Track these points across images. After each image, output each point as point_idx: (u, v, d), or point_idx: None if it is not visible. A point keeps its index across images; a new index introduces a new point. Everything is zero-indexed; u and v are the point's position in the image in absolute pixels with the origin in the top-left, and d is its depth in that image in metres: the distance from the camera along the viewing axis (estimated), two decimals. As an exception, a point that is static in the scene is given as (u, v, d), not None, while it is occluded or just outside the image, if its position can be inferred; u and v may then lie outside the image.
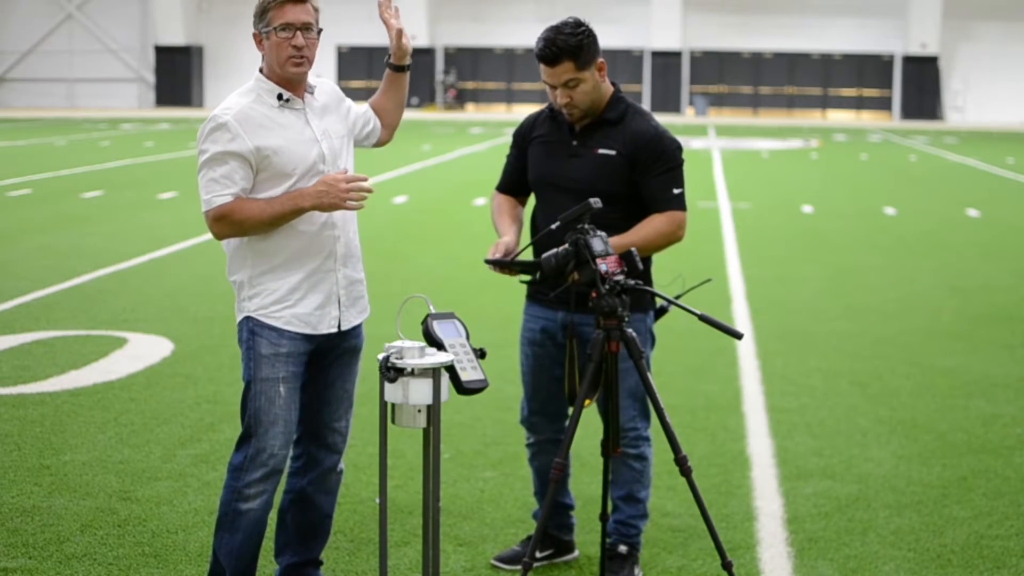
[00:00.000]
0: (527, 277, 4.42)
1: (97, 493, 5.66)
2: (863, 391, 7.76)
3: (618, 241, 4.40)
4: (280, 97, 4.18)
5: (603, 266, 4.10)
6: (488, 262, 4.44)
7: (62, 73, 54.80)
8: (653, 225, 4.59)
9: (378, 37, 49.76)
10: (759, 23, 52.79)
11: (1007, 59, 51.37)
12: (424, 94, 53.52)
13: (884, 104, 53.27)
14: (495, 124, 43.80)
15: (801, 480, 6.02)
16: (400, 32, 4.43)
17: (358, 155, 4.53)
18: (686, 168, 4.72)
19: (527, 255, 4.52)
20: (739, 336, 4.20)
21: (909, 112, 51.61)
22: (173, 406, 7.17)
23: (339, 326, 4.26)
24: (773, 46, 53.04)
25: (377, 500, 4.50)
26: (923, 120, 50.62)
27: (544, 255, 4.23)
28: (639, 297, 4.51)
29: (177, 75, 53.54)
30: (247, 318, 4.21)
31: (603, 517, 4.49)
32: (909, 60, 51.24)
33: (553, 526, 4.94)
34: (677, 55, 52.39)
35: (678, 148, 4.68)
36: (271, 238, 4.16)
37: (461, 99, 55.02)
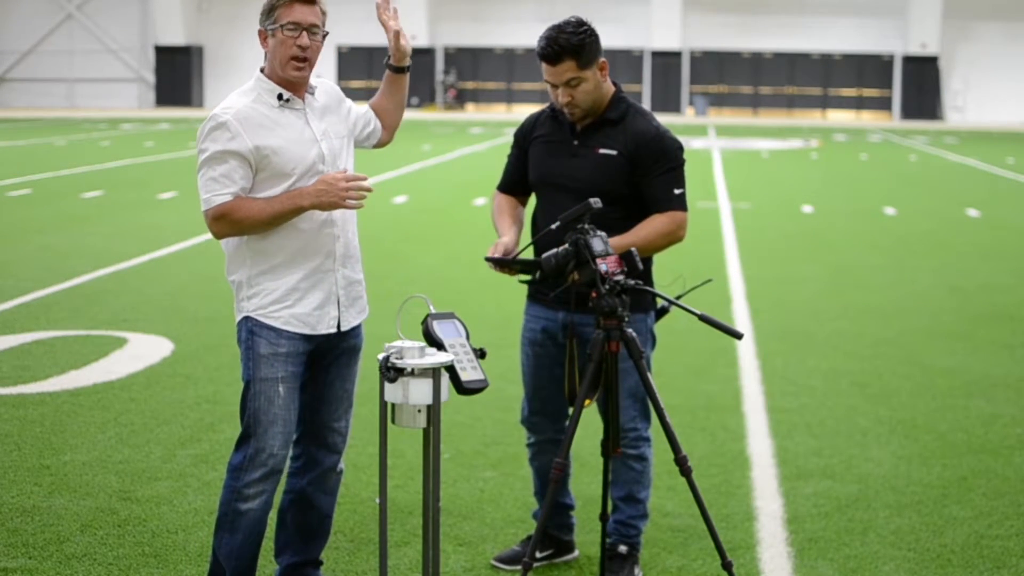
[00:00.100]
0: (526, 277, 4.42)
1: (97, 493, 5.66)
2: (863, 391, 7.76)
3: (618, 241, 4.40)
4: (280, 97, 4.18)
5: (603, 266, 4.09)
6: (488, 260, 4.44)
7: (62, 73, 54.81)
8: (654, 225, 4.59)
9: (378, 37, 49.75)
10: (759, 23, 52.80)
11: (1007, 59, 51.38)
12: (424, 94, 53.52)
13: (884, 104, 53.28)
14: (495, 124, 43.81)
15: (801, 480, 6.02)
16: (398, 33, 4.43)
17: (358, 155, 4.53)
18: (686, 168, 4.72)
19: (527, 255, 4.52)
20: (739, 336, 4.20)
21: (909, 112, 51.61)
22: (173, 406, 7.17)
23: (338, 326, 4.26)
24: (773, 46, 53.04)
25: (377, 500, 4.50)
26: (923, 120, 50.63)
27: (544, 255, 4.23)
28: (640, 297, 4.51)
29: (177, 75, 53.55)
30: (246, 318, 4.21)
31: (603, 517, 4.49)
32: (909, 60, 51.25)
33: (553, 526, 4.94)
34: (677, 55, 52.40)
35: (679, 148, 4.67)
36: (270, 237, 4.16)
37: (461, 99, 55.03)
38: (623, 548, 4.81)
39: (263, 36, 4.16)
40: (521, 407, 4.94)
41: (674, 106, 52.01)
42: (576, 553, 5.04)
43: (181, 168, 23.10)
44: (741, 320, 9.97)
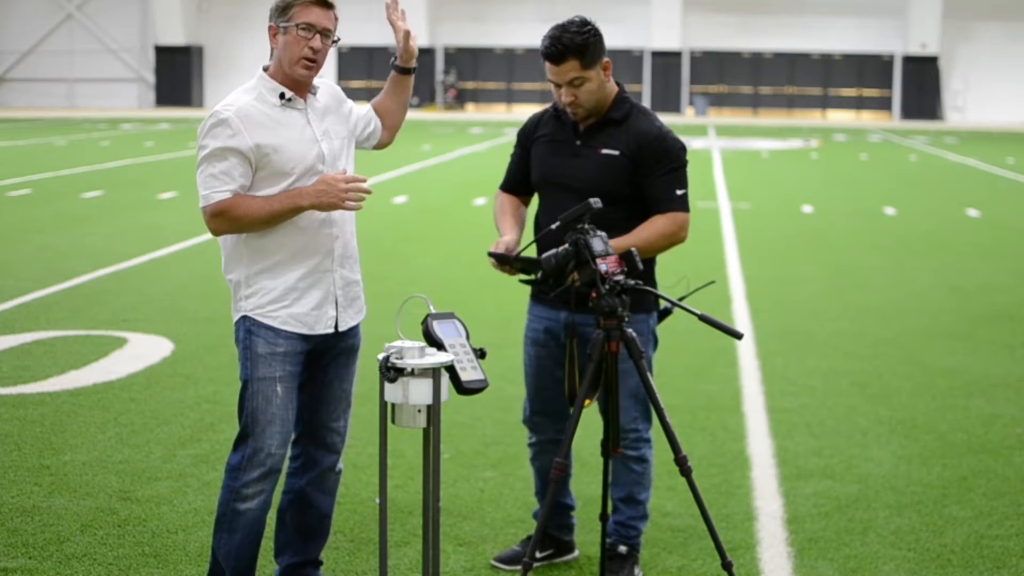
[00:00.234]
0: (527, 276, 4.42)
1: (97, 493, 5.66)
2: (863, 391, 7.76)
3: (619, 243, 4.40)
4: (282, 96, 4.17)
5: (603, 266, 4.09)
6: (491, 255, 4.44)
7: (62, 73, 54.81)
8: (655, 226, 4.58)
9: (378, 37, 49.77)
10: (759, 23, 52.80)
11: (1007, 59, 51.39)
12: (424, 94, 53.53)
13: (884, 104, 53.28)
14: (495, 124, 43.80)
15: (801, 480, 6.02)
16: (407, 34, 4.44)
17: (358, 154, 4.53)
18: (688, 169, 4.71)
19: (529, 253, 4.52)
20: (739, 336, 4.20)
21: (909, 112, 51.62)
22: (173, 406, 7.17)
23: (336, 327, 4.26)
24: (773, 46, 53.05)
25: (377, 500, 4.50)
26: (923, 120, 50.63)
27: (544, 255, 4.23)
28: (642, 298, 4.50)
29: (177, 75, 53.55)
30: (244, 317, 4.21)
31: (603, 517, 4.49)
32: (909, 60, 51.25)
33: (553, 526, 4.94)
34: (677, 55, 52.40)
35: (682, 149, 4.67)
36: (269, 236, 4.16)
37: (461, 99, 55.03)
38: (623, 548, 4.82)
39: (273, 32, 4.16)
40: (523, 407, 4.94)
41: (674, 106, 52.01)
42: (576, 553, 5.04)
43: (181, 168, 23.10)
44: (741, 320, 9.97)
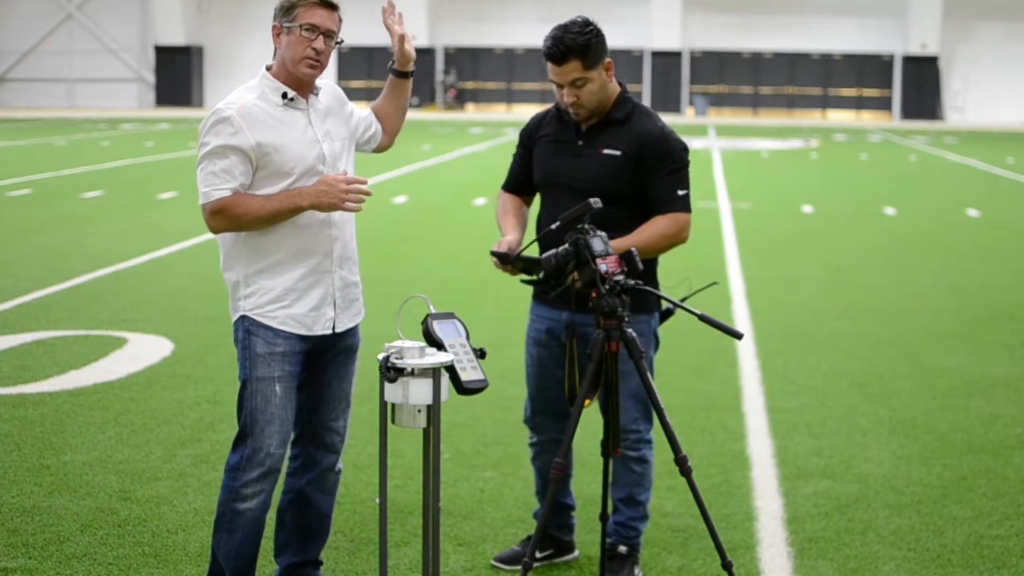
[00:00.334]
0: (528, 276, 4.42)
1: (97, 493, 5.66)
2: (863, 391, 7.76)
3: (620, 244, 4.39)
4: (285, 96, 4.17)
5: (603, 266, 4.09)
6: (493, 253, 4.44)
7: (62, 73, 54.81)
8: (656, 227, 4.58)
9: (378, 37, 49.75)
10: (759, 23, 52.80)
11: (1007, 59, 51.39)
12: (424, 94, 53.53)
13: (884, 104, 53.28)
14: (495, 124, 43.80)
15: (801, 480, 6.02)
16: (403, 37, 4.43)
17: (358, 154, 4.54)
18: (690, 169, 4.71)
19: (531, 252, 4.52)
20: (739, 336, 4.20)
21: (909, 112, 51.62)
22: (173, 406, 7.17)
23: (334, 328, 4.26)
24: (773, 46, 53.05)
25: (377, 500, 4.50)
26: (923, 120, 50.63)
27: (544, 255, 4.23)
28: (644, 299, 4.50)
29: (177, 75, 53.55)
30: (243, 317, 4.21)
31: (603, 517, 4.49)
32: (909, 60, 51.25)
33: (553, 526, 4.94)
34: (677, 55, 52.40)
35: (684, 149, 4.67)
36: (268, 236, 4.16)
37: (461, 99, 55.03)
38: (623, 548, 4.82)
39: (277, 32, 4.16)
40: (525, 407, 4.94)
41: (674, 106, 52.01)
42: (576, 553, 5.04)
43: (181, 168, 23.10)
44: (741, 320, 9.97)
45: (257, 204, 4.08)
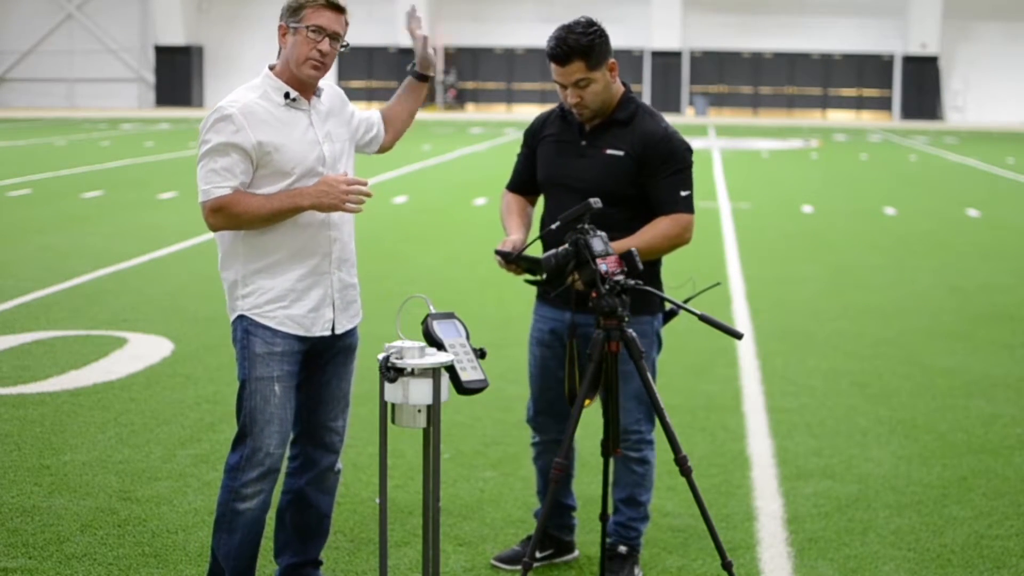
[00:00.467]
0: (532, 276, 4.43)
1: (97, 493, 5.66)
2: (863, 391, 7.76)
3: (622, 245, 4.39)
4: (287, 96, 4.18)
5: (603, 266, 4.09)
6: (498, 252, 4.44)
7: (62, 73, 54.81)
8: (659, 228, 4.58)
9: (378, 37, 49.78)
10: (759, 23, 52.80)
11: (1007, 59, 51.39)
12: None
13: (884, 104, 53.28)
14: (495, 124, 43.80)
15: (801, 480, 6.02)
16: (425, 39, 4.49)
17: (359, 155, 4.54)
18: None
19: (534, 250, 4.52)
20: (739, 336, 4.20)
21: (909, 112, 51.62)
22: (173, 406, 7.17)
23: (333, 330, 4.26)
24: (773, 46, 53.05)
25: (377, 500, 4.50)
26: (923, 120, 50.63)
27: (544, 255, 4.23)
28: (647, 300, 4.49)
29: (177, 75, 53.54)
30: (241, 317, 4.21)
31: (603, 517, 4.49)
32: (909, 60, 51.26)
33: (554, 526, 4.94)
34: (677, 55, 52.40)
35: (687, 150, 4.66)
36: (267, 235, 4.16)
37: (461, 99, 55.03)
38: (623, 548, 4.82)
39: (283, 31, 4.16)
40: (527, 406, 4.95)
41: (674, 106, 52.01)
42: (576, 553, 5.04)
43: (181, 168, 23.10)
44: (741, 320, 9.97)
45: (257, 203, 4.08)
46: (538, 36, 50.05)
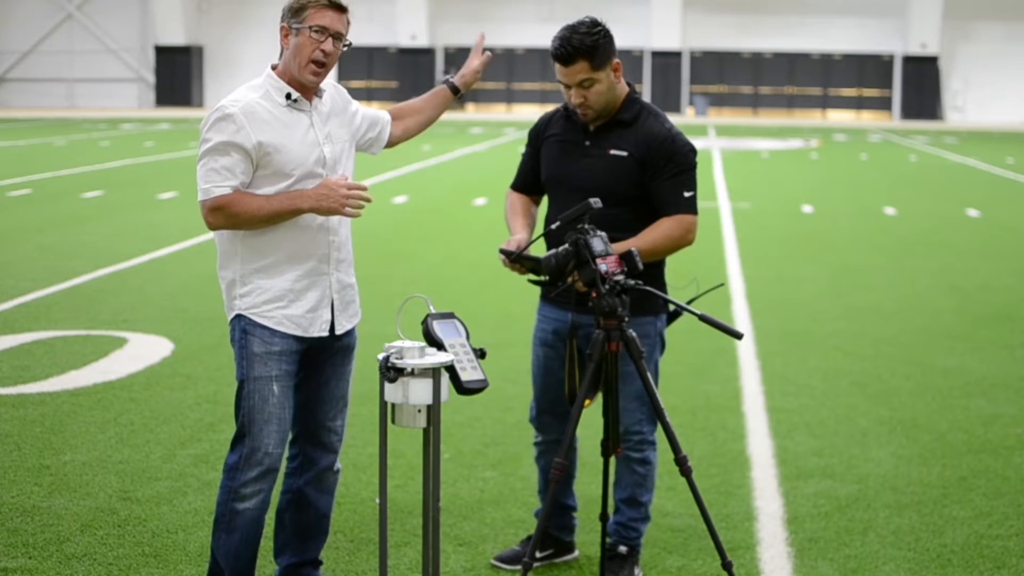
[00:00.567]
0: (536, 276, 4.42)
1: (97, 493, 5.66)
2: (863, 391, 7.76)
3: (625, 245, 4.38)
4: (289, 96, 4.17)
5: (603, 266, 4.09)
6: (502, 251, 4.44)
7: (62, 73, 54.80)
8: (662, 229, 4.57)
9: (378, 37, 49.77)
10: (759, 23, 52.80)
11: (1007, 59, 51.39)
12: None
13: (884, 104, 53.28)
14: (495, 124, 43.80)
15: (801, 480, 6.02)
16: (485, 63, 4.77)
17: (359, 154, 4.54)
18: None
19: (538, 249, 4.52)
20: (739, 336, 4.20)
21: (909, 112, 51.62)
22: (173, 406, 7.17)
23: (332, 330, 4.26)
24: (773, 46, 53.04)
25: (377, 500, 4.50)
26: (923, 120, 50.63)
27: (544, 255, 4.23)
28: (650, 301, 4.48)
29: (177, 75, 53.53)
30: (239, 316, 4.21)
31: (603, 517, 4.49)
32: (909, 60, 51.25)
33: (554, 526, 4.94)
34: (677, 55, 52.39)
35: (691, 151, 4.66)
36: (266, 236, 4.15)
37: (461, 99, 54.87)
38: (623, 549, 4.81)
39: (285, 32, 4.16)
40: (530, 406, 4.95)
41: (674, 106, 52.00)
42: (576, 553, 5.04)
43: (181, 168, 23.10)
44: (741, 320, 9.97)
45: (257, 204, 4.08)
46: (538, 36, 50.10)
